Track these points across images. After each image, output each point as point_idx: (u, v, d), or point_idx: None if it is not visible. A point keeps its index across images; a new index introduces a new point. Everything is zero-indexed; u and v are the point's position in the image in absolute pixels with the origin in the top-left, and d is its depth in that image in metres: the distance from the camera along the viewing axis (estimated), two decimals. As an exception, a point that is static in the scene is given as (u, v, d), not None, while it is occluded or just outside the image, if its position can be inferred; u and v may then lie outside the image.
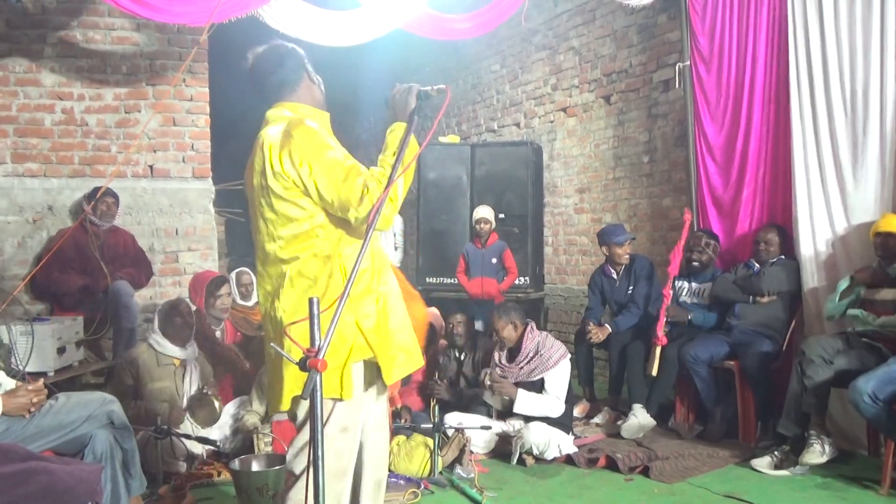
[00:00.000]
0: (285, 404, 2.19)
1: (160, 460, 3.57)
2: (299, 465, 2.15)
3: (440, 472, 3.80)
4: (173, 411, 3.85)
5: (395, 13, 4.55)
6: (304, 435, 2.16)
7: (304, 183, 2.10)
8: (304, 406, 2.16)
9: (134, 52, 5.38)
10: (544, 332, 4.36)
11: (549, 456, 4.00)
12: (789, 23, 4.36)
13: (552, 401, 4.10)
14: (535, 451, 4.00)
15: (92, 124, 5.30)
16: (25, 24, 5.15)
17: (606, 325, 4.92)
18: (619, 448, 4.16)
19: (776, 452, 3.87)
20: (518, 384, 4.16)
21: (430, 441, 3.81)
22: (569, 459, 4.05)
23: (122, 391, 3.82)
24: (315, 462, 1.69)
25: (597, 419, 4.80)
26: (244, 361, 4.61)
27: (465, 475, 3.80)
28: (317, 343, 1.69)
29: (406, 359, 2.29)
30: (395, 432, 3.78)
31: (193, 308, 4.42)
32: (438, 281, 6.81)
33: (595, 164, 6.43)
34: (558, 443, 4.00)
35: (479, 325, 5.36)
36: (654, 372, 4.50)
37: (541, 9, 6.70)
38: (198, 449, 3.86)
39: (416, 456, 3.80)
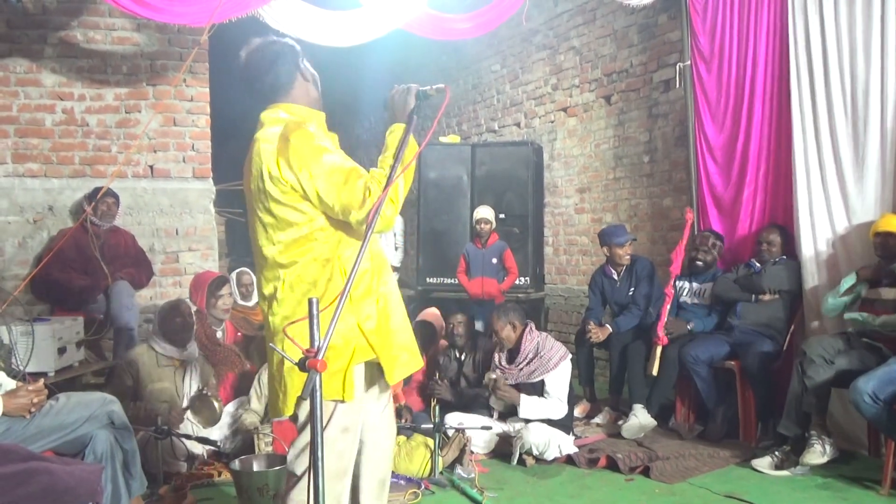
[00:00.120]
0: (289, 409, 2.18)
1: (160, 460, 3.57)
2: (301, 465, 2.15)
3: (440, 473, 3.80)
4: (173, 412, 3.85)
5: (396, 13, 4.55)
6: (306, 436, 2.16)
7: (304, 188, 2.08)
8: (305, 407, 2.16)
9: (134, 53, 5.38)
10: (544, 333, 4.35)
11: (549, 456, 4.00)
12: (790, 22, 4.36)
13: (555, 403, 4.10)
14: (536, 452, 4.00)
15: (92, 124, 5.31)
16: (26, 24, 5.15)
17: (607, 326, 4.92)
18: (620, 448, 4.16)
19: (777, 452, 3.87)
20: (518, 385, 4.16)
21: (430, 441, 3.81)
22: (569, 460, 4.05)
23: (122, 391, 3.82)
24: (315, 462, 1.68)
25: (597, 419, 4.80)
26: (244, 362, 4.61)
27: (465, 475, 3.80)
28: (316, 343, 1.69)
29: (408, 359, 2.29)
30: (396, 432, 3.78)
31: (194, 308, 4.43)
32: (439, 281, 6.81)
33: (595, 164, 6.43)
34: (559, 443, 4.00)
35: (479, 326, 5.36)
36: (655, 372, 4.50)
37: (541, 9, 6.70)
38: (198, 449, 3.86)
39: (417, 456, 3.80)
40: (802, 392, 3.75)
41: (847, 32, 4.12)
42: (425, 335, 4.89)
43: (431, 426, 3.89)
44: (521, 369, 4.17)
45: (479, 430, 4.09)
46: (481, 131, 8.00)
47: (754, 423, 4.32)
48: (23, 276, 4.88)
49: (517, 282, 6.06)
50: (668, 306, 4.63)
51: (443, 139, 7.45)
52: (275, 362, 2.22)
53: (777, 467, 3.82)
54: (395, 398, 2.54)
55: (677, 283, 4.81)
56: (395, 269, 6.67)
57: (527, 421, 4.09)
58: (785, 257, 4.44)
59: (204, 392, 3.91)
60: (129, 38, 5.37)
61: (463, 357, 4.73)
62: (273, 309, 2.18)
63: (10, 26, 5.13)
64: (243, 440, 3.97)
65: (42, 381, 2.80)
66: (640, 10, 5.49)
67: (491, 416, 4.32)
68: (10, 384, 2.82)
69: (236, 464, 3.27)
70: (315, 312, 1.71)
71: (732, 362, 4.40)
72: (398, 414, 4.28)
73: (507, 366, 4.25)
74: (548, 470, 3.97)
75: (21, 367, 3.51)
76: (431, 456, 3.78)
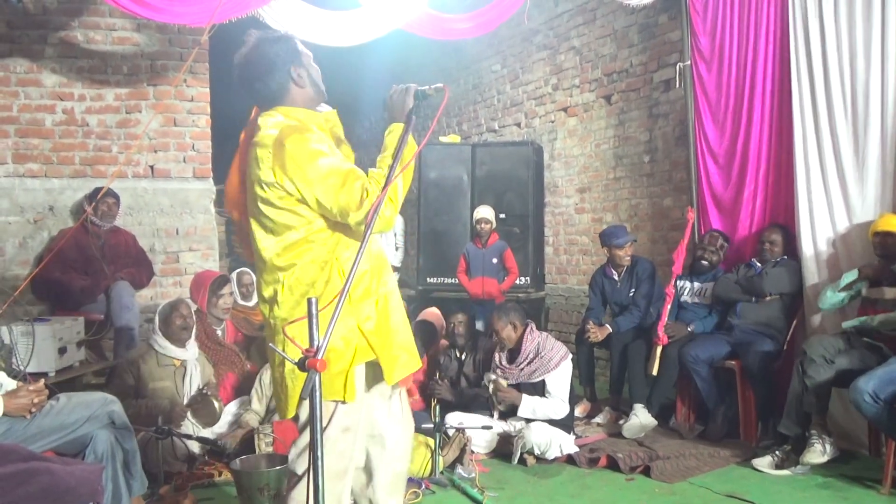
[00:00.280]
0: (290, 411, 2.19)
1: (161, 460, 3.57)
2: (301, 465, 2.15)
3: (441, 472, 3.80)
4: (174, 411, 3.85)
5: (396, 13, 4.55)
6: (307, 435, 2.16)
7: (301, 193, 2.08)
8: (306, 406, 2.16)
9: (135, 53, 5.39)
10: (544, 333, 4.35)
11: (550, 456, 4.00)
12: (790, 22, 4.36)
13: (556, 403, 4.10)
14: (536, 451, 4.00)
15: (93, 125, 5.31)
16: (26, 24, 5.16)
17: (606, 325, 4.92)
18: (620, 448, 4.16)
19: (777, 452, 3.87)
20: (519, 385, 4.16)
21: (430, 441, 3.81)
22: (570, 459, 4.05)
23: (122, 391, 3.82)
24: (315, 462, 1.69)
25: (598, 419, 4.80)
26: (245, 362, 4.61)
27: (466, 475, 3.80)
28: (315, 343, 1.69)
29: (408, 359, 2.29)
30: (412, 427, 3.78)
31: (194, 308, 4.43)
32: (439, 281, 6.81)
33: (596, 163, 6.43)
34: (559, 442, 4.00)
35: (479, 325, 5.36)
36: (655, 372, 4.51)
37: (541, 9, 6.70)
38: (198, 449, 3.86)
39: (417, 456, 3.79)
40: (803, 391, 3.75)
41: (847, 32, 4.12)
42: (426, 335, 4.89)
43: (432, 426, 3.89)
44: (522, 369, 4.17)
45: (479, 430, 4.09)
46: (482, 131, 8.00)
47: (755, 423, 4.32)
48: (23, 276, 4.88)
49: (517, 282, 6.06)
50: (669, 306, 4.63)
51: (443, 139, 7.45)
52: (276, 364, 2.23)
53: (777, 467, 3.82)
54: (410, 392, 2.54)
55: (678, 282, 4.81)
56: (395, 269, 6.68)
57: (527, 420, 4.10)
58: (786, 257, 4.44)
59: (204, 392, 3.91)
60: (129, 39, 5.37)
61: (463, 357, 4.74)
62: (273, 311, 2.19)
63: (11, 26, 5.13)
64: (243, 440, 3.96)
65: (42, 381, 2.80)
66: (640, 10, 5.49)
67: (491, 415, 4.32)
68: (11, 384, 2.82)
69: (237, 464, 3.27)
70: (314, 312, 1.71)
71: (733, 362, 4.40)
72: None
73: (507, 366, 4.25)
74: (548, 469, 3.97)
75: (22, 368, 3.51)
76: (432, 455, 3.78)
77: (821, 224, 4.27)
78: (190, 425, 3.90)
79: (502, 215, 6.40)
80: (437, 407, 4.44)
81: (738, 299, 4.53)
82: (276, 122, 2.17)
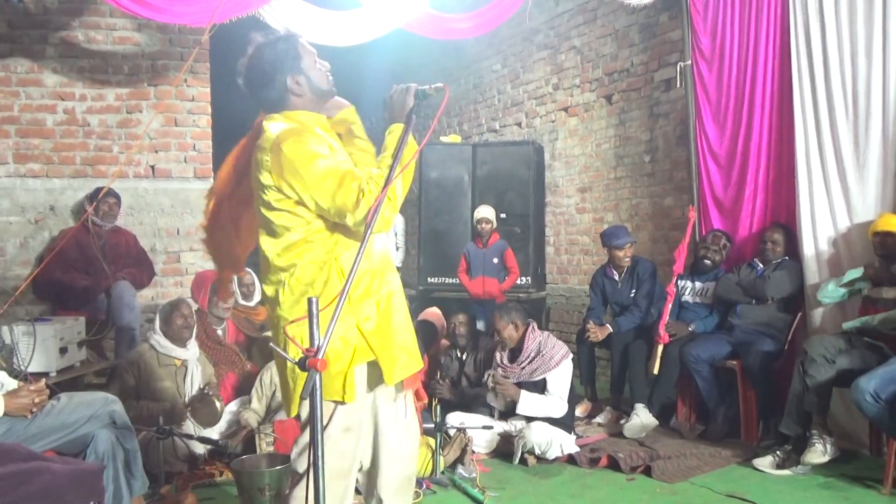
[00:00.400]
0: (294, 409, 2.21)
1: (162, 460, 3.57)
2: (303, 464, 2.15)
3: (442, 472, 3.80)
4: (174, 411, 3.85)
5: (396, 13, 4.55)
6: (308, 434, 2.16)
7: (299, 195, 2.11)
8: (308, 405, 2.16)
9: (135, 53, 5.39)
10: (546, 332, 4.36)
11: (550, 455, 4.00)
12: (791, 21, 4.35)
13: (555, 401, 4.09)
14: (537, 451, 4.00)
15: (94, 125, 5.31)
16: (27, 24, 5.16)
17: (607, 325, 4.92)
18: (621, 448, 4.16)
19: (778, 452, 3.86)
20: (520, 384, 4.16)
21: (431, 441, 3.81)
22: (571, 459, 4.05)
23: (123, 391, 3.83)
24: (315, 462, 1.69)
25: (599, 419, 4.80)
26: (245, 361, 4.61)
27: (466, 475, 3.80)
28: (316, 343, 1.69)
29: (407, 360, 2.28)
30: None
31: (195, 307, 4.43)
32: (440, 281, 6.81)
33: (596, 163, 6.43)
34: (560, 442, 4.00)
35: (480, 325, 5.36)
36: (656, 370, 4.50)
37: (542, 8, 6.70)
38: (199, 449, 3.86)
39: (418, 455, 3.79)
40: (804, 391, 3.75)
41: (848, 31, 4.12)
42: (426, 335, 4.89)
43: (433, 426, 3.89)
44: (524, 368, 4.17)
45: (480, 430, 4.09)
46: (482, 131, 8.00)
47: (756, 423, 4.32)
48: (24, 276, 4.88)
49: (518, 281, 6.06)
50: (670, 305, 4.63)
51: (444, 139, 7.46)
52: (280, 363, 2.24)
53: (778, 466, 3.82)
54: (417, 395, 2.51)
55: (679, 282, 4.81)
56: (396, 269, 6.66)
57: (528, 420, 4.10)
58: (787, 258, 4.44)
59: (205, 391, 3.91)
60: (130, 38, 5.37)
61: (464, 357, 4.74)
62: (275, 311, 2.21)
63: (12, 26, 5.13)
64: (244, 440, 3.97)
65: (43, 380, 2.81)
66: (640, 9, 5.48)
67: (492, 415, 4.32)
68: (12, 384, 2.83)
69: (238, 463, 3.27)
70: (315, 312, 1.71)
71: (734, 362, 4.40)
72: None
73: (508, 365, 4.25)
74: (549, 469, 3.97)
75: (23, 367, 3.51)
76: (433, 455, 3.78)
77: (822, 223, 4.27)
78: (191, 425, 3.90)
79: (503, 215, 6.40)
80: (438, 407, 4.43)
81: (739, 301, 4.52)
82: (277, 126, 2.19)
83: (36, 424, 2.70)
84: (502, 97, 7.67)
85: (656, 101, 5.76)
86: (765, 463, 3.85)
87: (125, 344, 4.62)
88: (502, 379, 4.16)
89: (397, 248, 7.23)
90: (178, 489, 3.49)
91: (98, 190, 4.79)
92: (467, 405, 4.43)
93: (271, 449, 3.74)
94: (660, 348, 4.51)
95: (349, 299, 2.07)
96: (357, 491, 2.38)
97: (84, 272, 4.77)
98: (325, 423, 2.10)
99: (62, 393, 2.94)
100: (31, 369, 3.58)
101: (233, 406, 4.26)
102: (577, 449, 4.10)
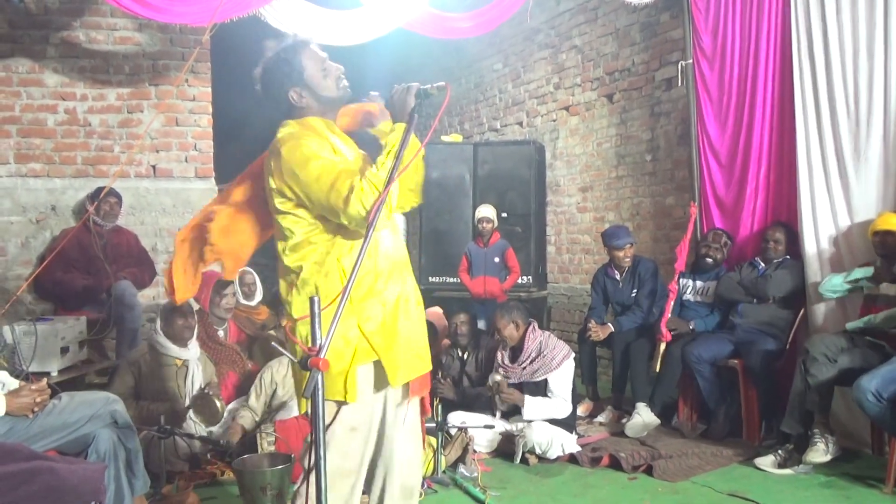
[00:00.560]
0: (302, 407, 2.25)
1: (163, 460, 3.57)
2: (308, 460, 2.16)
3: (443, 472, 3.80)
4: (176, 411, 3.85)
5: (397, 12, 4.55)
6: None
7: (298, 196, 2.15)
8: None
9: (136, 53, 5.39)
10: (546, 332, 4.35)
11: (552, 455, 4.00)
12: (792, 20, 4.35)
13: (559, 403, 4.09)
14: (539, 450, 4.00)
15: (95, 124, 5.31)
16: (28, 24, 5.16)
17: (608, 324, 4.92)
18: (623, 447, 4.16)
19: (780, 451, 3.86)
20: (521, 385, 4.16)
21: (433, 440, 3.81)
22: (572, 458, 4.05)
23: (125, 391, 3.83)
24: (317, 461, 1.69)
25: (600, 418, 4.80)
26: (246, 361, 4.61)
27: (468, 474, 3.80)
28: (318, 342, 1.70)
29: (415, 362, 2.27)
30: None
31: (196, 307, 4.43)
32: (441, 280, 6.80)
33: (598, 162, 6.43)
34: (561, 442, 4.00)
35: (481, 325, 5.36)
36: (658, 369, 4.50)
37: (543, 7, 6.69)
38: (201, 448, 3.86)
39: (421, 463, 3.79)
40: (805, 390, 3.75)
41: (850, 30, 4.12)
42: (427, 334, 4.88)
43: (434, 425, 3.88)
44: (524, 368, 4.17)
45: (481, 429, 4.09)
46: (483, 130, 8.00)
47: (757, 422, 4.32)
48: (26, 275, 4.89)
49: (519, 281, 6.06)
50: (672, 303, 4.62)
51: (445, 138, 7.45)
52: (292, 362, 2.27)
53: (780, 466, 3.81)
54: (423, 408, 2.48)
55: (680, 280, 4.81)
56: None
57: (530, 420, 4.09)
58: (789, 257, 4.44)
59: (206, 391, 3.91)
60: (130, 38, 5.37)
61: (465, 356, 4.73)
62: (288, 310, 2.25)
63: (13, 26, 5.13)
64: (244, 439, 3.96)
65: (45, 380, 2.81)
66: (641, 8, 5.48)
67: (493, 414, 4.32)
68: (14, 384, 2.83)
69: (239, 463, 3.27)
70: (316, 311, 1.72)
71: (735, 361, 4.39)
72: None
73: (509, 364, 4.24)
74: (551, 469, 3.96)
75: (24, 367, 3.51)
76: (434, 455, 3.78)
77: (823, 222, 4.27)
78: (192, 424, 3.90)
79: (504, 214, 6.40)
80: (440, 406, 4.44)
81: (740, 300, 4.52)
82: (286, 131, 2.25)
83: (37, 424, 2.70)
84: (503, 96, 7.67)
85: (657, 100, 5.76)
86: (766, 462, 3.85)
87: (126, 343, 4.63)
88: (507, 388, 4.15)
89: (398, 248, 7.22)
90: (180, 488, 3.49)
91: (99, 190, 4.79)
92: (468, 404, 4.43)
93: (273, 448, 3.74)
94: (662, 346, 4.50)
95: (350, 299, 2.07)
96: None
97: (85, 272, 4.78)
98: (329, 422, 2.11)
99: (63, 392, 2.94)
100: (32, 369, 3.59)
101: (234, 406, 4.26)
102: (579, 448, 4.10)
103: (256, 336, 4.94)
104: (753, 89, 4.64)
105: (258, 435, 3.84)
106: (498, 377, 4.20)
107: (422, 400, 2.44)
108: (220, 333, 4.64)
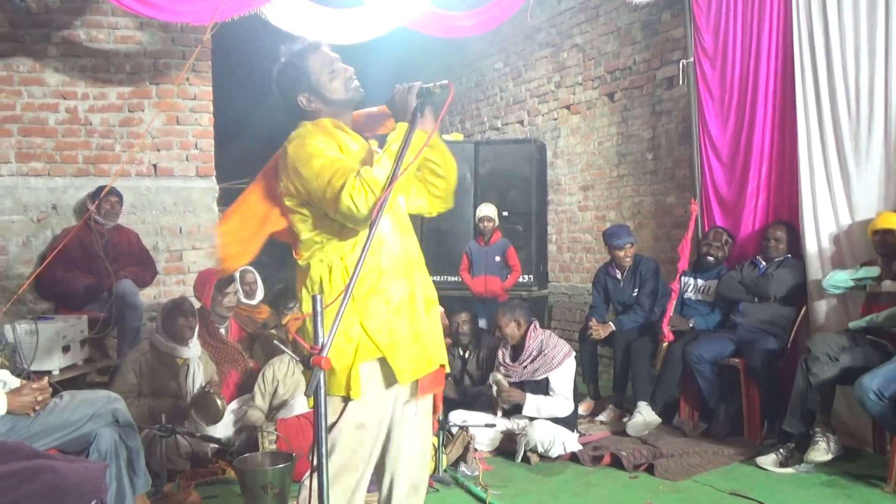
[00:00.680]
0: (310, 403, 2.25)
1: (165, 458, 3.58)
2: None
3: (444, 470, 3.80)
4: (177, 410, 3.85)
5: (398, 11, 4.54)
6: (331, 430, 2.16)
7: (301, 193, 2.16)
8: (330, 401, 2.16)
9: (137, 51, 5.39)
10: (548, 331, 4.35)
11: (553, 454, 4.00)
12: (794, 19, 4.35)
13: (560, 401, 4.09)
14: (540, 449, 4.00)
15: (96, 123, 5.31)
16: (29, 23, 5.16)
17: (609, 323, 4.91)
18: (624, 446, 4.16)
19: (781, 450, 3.86)
20: (522, 383, 4.16)
21: (434, 439, 3.80)
22: (573, 457, 4.05)
23: (126, 390, 3.83)
24: (318, 457, 1.69)
25: (601, 417, 4.80)
26: (247, 360, 4.62)
27: (469, 473, 3.80)
28: (320, 341, 1.69)
29: (421, 360, 2.26)
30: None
31: (198, 306, 4.43)
32: (442, 279, 6.78)
33: (599, 161, 6.42)
34: (563, 440, 4.00)
35: (482, 324, 5.36)
36: (659, 367, 4.50)
37: (544, 6, 6.69)
38: (202, 447, 3.86)
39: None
40: (807, 389, 3.75)
41: (851, 29, 4.11)
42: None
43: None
44: (525, 367, 4.17)
45: (483, 428, 4.09)
46: (484, 129, 8.00)
47: (759, 421, 4.31)
48: (27, 274, 4.89)
49: (520, 279, 6.06)
50: (674, 302, 4.62)
51: (446, 137, 7.45)
52: None
53: (781, 465, 3.81)
54: (435, 405, 2.47)
55: (683, 279, 4.80)
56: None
57: (531, 418, 4.09)
58: (790, 256, 4.43)
59: (207, 390, 3.91)
60: (132, 37, 5.37)
61: (467, 355, 4.74)
62: (300, 308, 2.27)
63: (14, 26, 5.13)
64: (247, 438, 3.97)
65: (46, 379, 2.82)
66: (643, 7, 5.47)
67: (495, 413, 4.32)
68: (15, 382, 2.83)
69: (240, 462, 3.27)
70: (318, 310, 1.72)
71: (737, 360, 4.39)
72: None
73: (511, 363, 4.24)
74: (552, 467, 3.96)
75: (25, 366, 3.52)
76: (435, 453, 3.77)
77: (824, 221, 4.27)
78: (194, 423, 3.91)
79: (505, 213, 6.40)
80: (441, 405, 4.43)
81: (741, 299, 4.51)
82: (297, 130, 2.26)
83: (39, 423, 2.71)
84: (504, 95, 7.67)
85: (659, 98, 5.75)
86: (768, 461, 3.85)
87: (127, 342, 4.63)
88: (507, 387, 4.15)
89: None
90: (181, 487, 3.49)
91: (100, 188, 4.79)
92: (470, 403, 4.43)
93: (274, 447, 3.74)
94: (664, 345, 4.50)
95: (353, 297, 2.07)
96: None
97: (86, 271, 4.78)
98: (336, 419, 2.12)
99: (65, 391, 2.94)
100: (33, 368, 3.59)
101: (234, 405, 4.26)
102: (580, 447, 4.10)
103: (257, 335, 4.94)
104: (755, 88, 4.64)
105: (260, 434, 3.84)
106: (499, 376, 4.20)
107: (434, 397, 2.43)
108: (222, 332, 4.64)
